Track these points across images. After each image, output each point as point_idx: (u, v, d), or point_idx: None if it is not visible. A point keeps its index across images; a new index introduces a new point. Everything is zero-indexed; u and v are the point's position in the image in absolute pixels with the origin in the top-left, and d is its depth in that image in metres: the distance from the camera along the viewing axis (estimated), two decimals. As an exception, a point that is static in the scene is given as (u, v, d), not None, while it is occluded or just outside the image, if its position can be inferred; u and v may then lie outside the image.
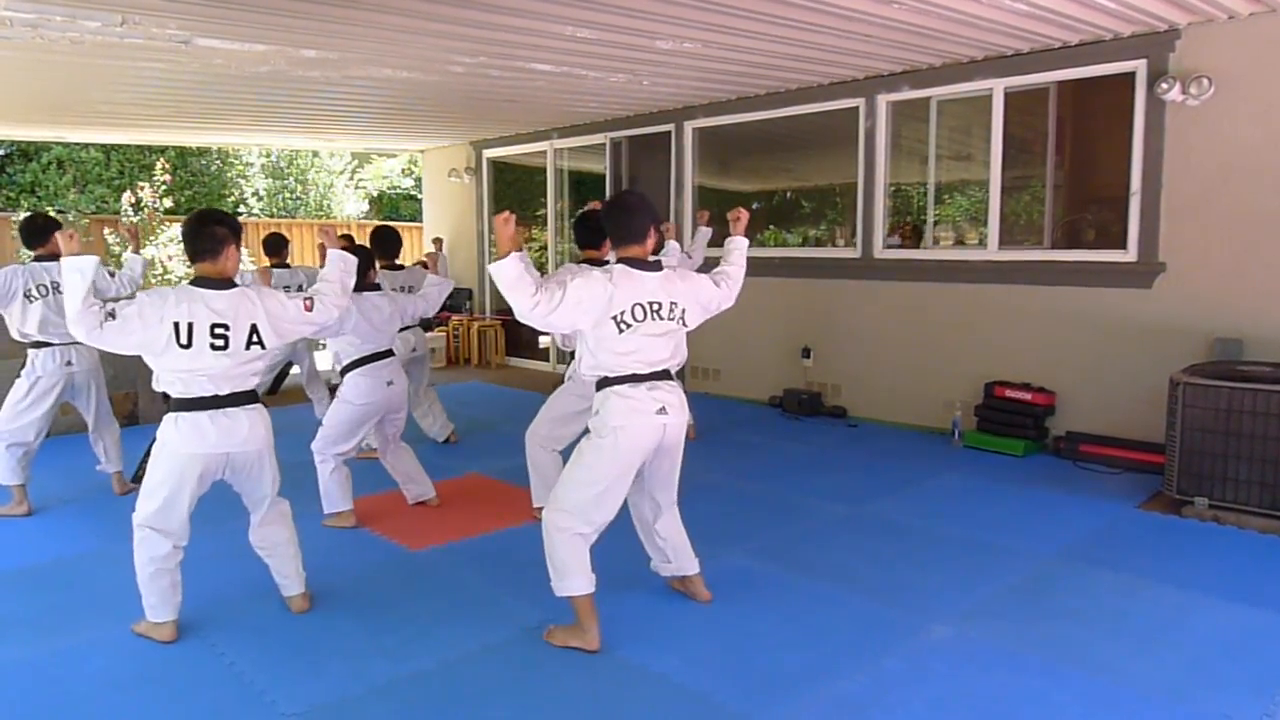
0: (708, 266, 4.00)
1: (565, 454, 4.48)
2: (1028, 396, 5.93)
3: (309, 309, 3.38)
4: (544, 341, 10.13)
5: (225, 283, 3.19)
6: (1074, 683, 2.92)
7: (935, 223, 7.04)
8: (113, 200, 14.25)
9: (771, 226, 8.68)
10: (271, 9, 4.65)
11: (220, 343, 3.11)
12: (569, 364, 4.64)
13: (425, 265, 6.28)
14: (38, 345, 4.69)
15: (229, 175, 17.27)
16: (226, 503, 3.65)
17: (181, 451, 3.13)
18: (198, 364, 3.09)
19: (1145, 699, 2.83)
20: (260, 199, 17.64)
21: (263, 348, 3.23)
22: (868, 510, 4.81)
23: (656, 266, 3.22)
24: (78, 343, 3.18)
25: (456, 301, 11.39)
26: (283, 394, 8.15)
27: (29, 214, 5.12)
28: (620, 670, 3.03)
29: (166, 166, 13.84)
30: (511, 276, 3.00)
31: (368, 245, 5.04)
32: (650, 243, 3.23)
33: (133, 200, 12.50)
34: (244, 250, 13.30)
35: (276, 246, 7.15)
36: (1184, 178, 5.38)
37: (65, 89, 6.89)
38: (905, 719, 2.72)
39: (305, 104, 7.80)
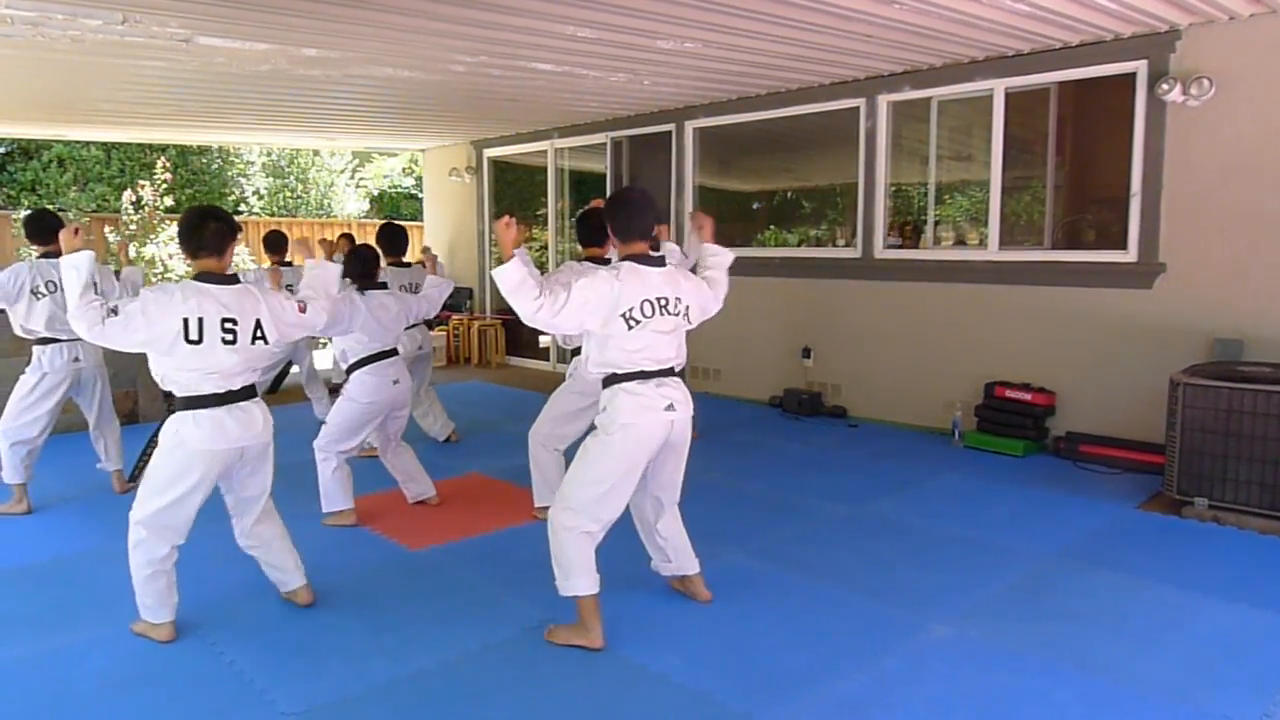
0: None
1: (568, 453, 4.51)
2: (1028, 397, 5.93)
3: (303, 311, 3.41)
4: (544, 341, 10.13)
5: (230, 278, 3.21)
6: (1074, 683, 2.93)
7: (936, 223, 7.04)
8: (113, 198, 14.25)
9: (772, 226, 8.69)
10: (273, 8, 4.64)
11: (230, 337, 3.11)
12: (570, 363, 4.64)
13: (424, 264, 6.28)
14: (44, 341, 4.70)
15: (230, 174, 17.27)
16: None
17: (202, 449, 3.11)
18: (208, 360, 3.08)
19: (1145, 699, 2.83)
20: (261, 198, 17.64)
21: (266, 343, 3.24)
22: (868, 510, 4.81)
23: (661, 262, 3.22)
24: (80, 338, 3.16)
25: (456, 301, 11.39)
26: (281, 393, 8.15)
27: (34, 211, 5.12)
28: (620, 670, 3.03)
29: (167, 165, 13.83)
30: (514, 281, 3.00)
31: (370, 244, 5.04)
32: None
33: (133, 199, 12.50)
34: (244, 248, 13.14)
35: (278, 244, 7.15)
36: (1184, 178, 5.38)
37: (66, 87, 6.89)
38: (905, 719, 2.72)
39: (306, 103, 7.80)
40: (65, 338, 4.67)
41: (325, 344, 9.34)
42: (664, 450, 3.25)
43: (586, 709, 2.80)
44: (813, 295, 7.42)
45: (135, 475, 5.12)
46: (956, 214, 7.17)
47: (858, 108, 6.94)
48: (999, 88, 6.14)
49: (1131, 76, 5.54)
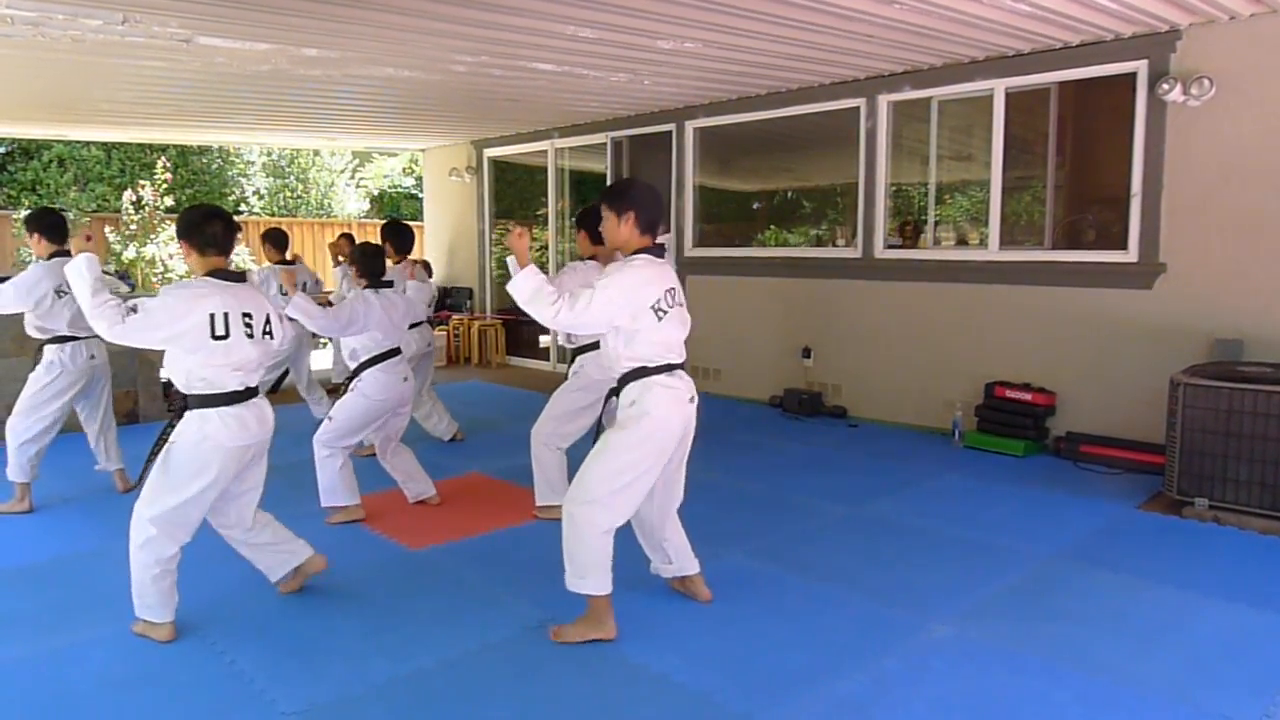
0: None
1: (570, 453, 4.51)
2: (1028, 397, 5.93)
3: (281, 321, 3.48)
4: (544, 341, 10.14)
5: (239, 275, 3.26)
6: (1074, 683, 2.92)
7: (936, 223, 7.04)
8: (113, 198, 14.26)
9: (772, 226, 8.69)
10: (273, 8, 4.65)
11: (250, 331, 3.16)
12: (570, 363, 4.65)
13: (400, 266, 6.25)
14: (62, 340, 4.69)
15: (230, 174, 17.28)
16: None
17: (231, 445, 3.14)
18: (234, 356, 3.11)
19: (1145, 699, 2.83)
20: (261, 198, 17.65)
21: (273, 338, 3.28)
22: (868, 510, 4.81)
23: (664, 253, 3.26)
24: (97, 336, 3.19)
25: (457, 301, 11.40)
26: (279, 393, 8.14)
27: (44, 208, 5.11)
28: (621, 670, 3.03)
29: (167, 165, 13.84)
30: (530, 290, 3.03)
31: (373, 242, 5.05)
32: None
33: (133, 199, 12.50)
34: (244, 248, 13.14)
35: (281, 242, 7.15)
36: (1185, 178, 5.38)
37: (66, 87, 6.89)
38: (905, 719, 2.72)
39: (306, 103, 7.80)
40: (85, 335, 4.67)
41: (324, 344, 9.35)
42: (679, 442, 3.27)
43: (586, 709, 2.79)
44: (813, 295, 7.42)
45: (144, 476, 5.11)
46: (957, 214, 7.17)
47: (858, 108, 6.94)
48: (999, 88, 6.14)
49: (1132, 76, 5.54)
